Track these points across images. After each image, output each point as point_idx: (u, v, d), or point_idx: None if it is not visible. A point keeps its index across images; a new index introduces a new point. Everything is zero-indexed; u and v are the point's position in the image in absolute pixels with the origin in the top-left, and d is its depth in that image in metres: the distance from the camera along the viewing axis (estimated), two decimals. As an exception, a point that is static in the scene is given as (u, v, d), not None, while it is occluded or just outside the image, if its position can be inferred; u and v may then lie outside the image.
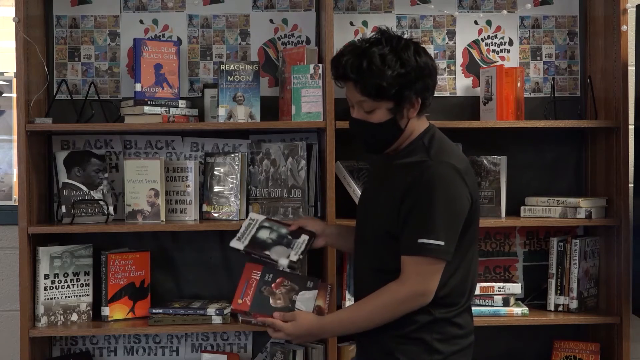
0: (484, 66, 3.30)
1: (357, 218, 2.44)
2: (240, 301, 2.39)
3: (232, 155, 3.15)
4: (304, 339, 2.37)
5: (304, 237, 2.54)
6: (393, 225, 2.21)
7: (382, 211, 2.26)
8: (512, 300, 3.13)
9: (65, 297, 3.03)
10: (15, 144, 3.06)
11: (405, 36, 2.30)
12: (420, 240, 2.14)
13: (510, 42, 3.35)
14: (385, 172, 2.34)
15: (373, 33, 2.29)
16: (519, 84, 3.15)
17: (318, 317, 2.31)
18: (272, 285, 2.44)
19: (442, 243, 2.13)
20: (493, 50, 3.34)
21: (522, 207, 3.19)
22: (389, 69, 2.17)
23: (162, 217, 3.03)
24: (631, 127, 3.10)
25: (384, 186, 2.31)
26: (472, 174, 2.29)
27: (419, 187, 2.17)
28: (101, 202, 3.07)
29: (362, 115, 2.27)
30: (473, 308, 3.06)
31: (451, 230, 2.17)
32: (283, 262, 2.48)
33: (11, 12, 2.92)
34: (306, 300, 2.40)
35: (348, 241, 2.51)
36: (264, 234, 2.57)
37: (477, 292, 3.10)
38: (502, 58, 3.34)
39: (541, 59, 3.36)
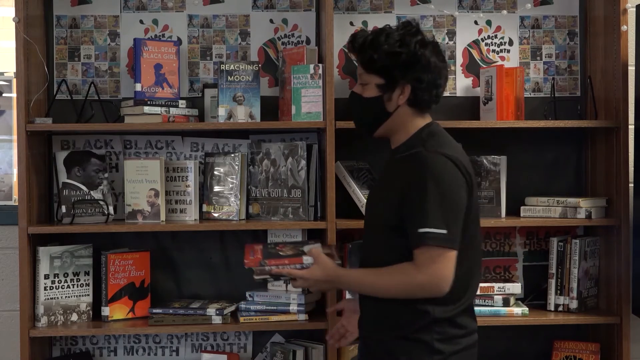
0: (484, 66, 3.30)
1: (365, 218, 2.48)
2: (251, 257, 2.41)
3: (232, 155, 3.15)
4: (321, 285, 2.34)
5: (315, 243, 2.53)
6: (392, 219, 2.22)
7: (383, 207, 2.28)
8: (512, 300, 3.13)
9: (65, 297, 3.03)
10: (15, 144, 3.06)
11: (429, 37, 2.34)
12: (420, 230, 2.13)
13: (510, 42, 3.35)
14: (387, 168, 2.38)
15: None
16: (519, 84, 3.15)
17: (336, 265, 2.32)
18: (277, 247, 2.48)
19: (444, 231, 2.12)
20: (493, 50, 3.34)
21: (522, 207, 3.19)
22: (386, 44, 2.25)
23: (162, 217, 3.03)
24: (631, 127, 3.11)
25: (384, 183, 2.36)
26: (471, 171, 2.28)
27: (413, 177, 2.18)
28: (101, 202, 3.07)
29: (358, 89, 2.36)
30: (473, 308, 3.09)
31: (451, 218, 2.15)
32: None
33: (11, 12, 2.92)
34: (314, 247, 2.40)
35: None
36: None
37: (477, 292, 3.09)
38: (502, 58, 3.34)
39: (541, 59, 3.36)
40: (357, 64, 2.38)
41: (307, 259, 2.35)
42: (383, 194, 2.31)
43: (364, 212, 2.77)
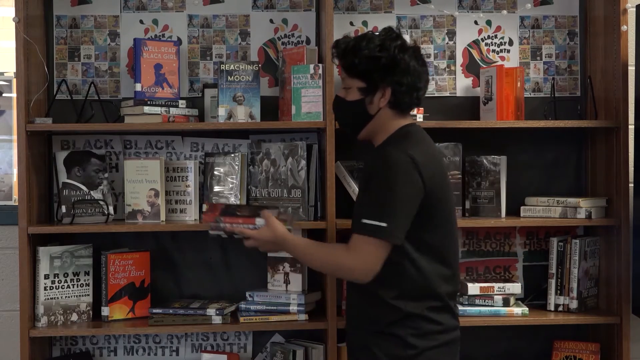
0: (484, 66, 3.30)
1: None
2: (209, 213, 2.59)
3: (232, 155, 3.15)
4: (269, 246, 2.48)
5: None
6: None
7: (358, 205, 2.40)
8: (512, 300, 3.12)
9: (65, 297, 3.03)
10: (15, 144, 3.06)
11: (410, 42, 2.44)
12: (363, 221, 2.23)
13: (510, 42, 3.35)
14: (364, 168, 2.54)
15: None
16: (519, 84, 3.15)
17: (286, 231, 2.45)
18: (237, 209, 2.60)
19: (384, 224, 2.20)
20: (493, 50, 3.34)
21: (522, 207, 3.19)
22: (367, 49, 2.34)
23: (162, 217, 3.03)
24: (631, 127, 3.10)
25: (360, 182, 2.51)
26: (435, 168, 2.32)
27: (372, 171, 2.30)
28: (101, 202, 3.07)
29: (342, 93, 2.45)
30: (473, 308, 3.10)
31: (397, 213, 2.22)
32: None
33: (11, 12, 2.92)
34: (270, 211, 2.52)
35: None
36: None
37: (477, 292, 3.10)
38: (502, 58, 3.34)
39: (541, 59, 3.36)
40: (341, 69, 2.47)
41: (259, 221, 2.48)
42: (359, 193, 2.43)
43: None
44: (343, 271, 2.33)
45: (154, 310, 3.04)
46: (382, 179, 2.24)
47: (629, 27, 3.05)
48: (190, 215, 3.12)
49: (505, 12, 3.31)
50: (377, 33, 2.41)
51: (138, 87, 3.04)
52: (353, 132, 2.47)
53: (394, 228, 2.21)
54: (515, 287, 3.14)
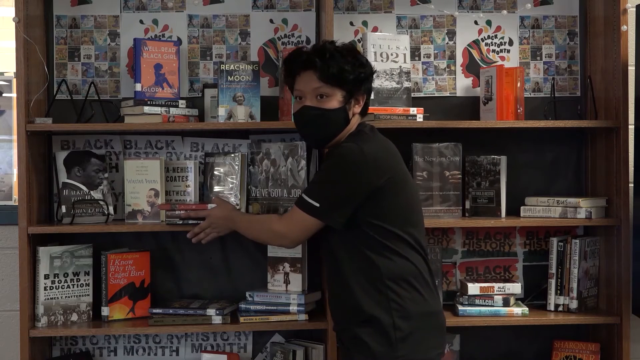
0: (484, 66, 3.30)
1: None
2: (165, 203, 3.00)
3: (232, 155, 3.15)
4: (221, 222, 2.76)
5: None
6: None
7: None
8: (512, 300, 3.12)
9: (65, 297, 3.03)
10: (15, 144, 3.06)
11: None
12: (302, 195, 2.43)
13: (510, 42, 3.35)
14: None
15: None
16: (519, 84, 3.15)
17: (235, 208, 2.86)
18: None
19: (317, 204, 2.38)
20: (493, 50, 3.34)
21: (522, 207, 3.19)
22: (349, 56, 2.43)
23: (162, 217, 3.03)
24: (631, 127, 3.11)
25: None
26: (388, 161, 2.42)
27: (326, 159, 2.44)
28: (101, 202, 3.07)
29: (315, 103, 2.46)
30: (473, 308, 3.10)
31: (334, 199, 2.37)
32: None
33: (11, 12, 2.91)
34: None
35: None
36: None
37: (477, 292, 3.10)
38: (502, 58, 3.34)
39: (541, 59, 3.36)
40: (301, 81, 2.48)
41: (210, 205, 2.87)
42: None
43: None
44: (273, 235, 2.53)
45: (154, 310, 3.04)
46: (330, 164, 2.40)
47: (629, 27, 3.05)
48: (190, 215, 3.12)
49: (505, 12, 3.31)
50: (330, 45, 2.49)
51: (138, 87, 3.04)
52: (324, 141, 2.52)
53: (327, 209, 2.37)
54: (515, 287, 3.14)
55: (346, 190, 2.37)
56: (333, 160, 2.41)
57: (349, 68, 2.42)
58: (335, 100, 2.45)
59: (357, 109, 2.50)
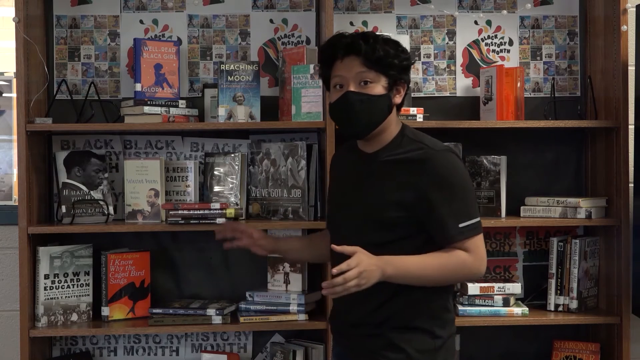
0: (484, 66, 3.30)
1: (340, 214, 2.40)
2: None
3: (232, 155, 3.15)
4: (374, 271, 2.15)
5: None
6: (402, 217, 2.24)
7: (387, 204, 2.25)
8: (512, 300, 3.12)
9: (65, 297, 3.03)
10: (15, 144, 3.06)
11: None
12: (462, 225, 2.23)
13: (510, 42, 3.35)
14: (371, 169, 2.33)
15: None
16: (519, 84, 3.15)
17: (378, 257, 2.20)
18: None
19: (478, 219, 2.26)
20: (493, 50, 3.34)
21: (522, 207, 3.19)
22: (392, 43, 2.30)
23: (162, 217, 3.03)
24: (631, 127, 3.11)
25: (380, 180, 2.30)
26: None
27: (439, 179, 2.24)
28: (101, 202, 3.07)
29: (358, 88, 2.28)
30: (473, 308, 3.11)
31: (475, 204, 2.31)
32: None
33: (11, 12, 2.92)
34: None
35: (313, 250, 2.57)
36: None
37: (477, 292, 3.11)
38: (502, 58, 3.34)
39: (541, 59, 3.36)
40: (343, 66, 2.28)
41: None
42: (384, 190, 2.28)
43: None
44: (476, 276, 2.30)
45: (154, 310, 3.04)
46: (453, 182, 2.26)
47: (629, 27, 3.05)
48: (190, 215, 3.12)
49: (505, 12, 3.31)
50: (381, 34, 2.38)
51: (138, 87, 3.04)
52: (367, 129, 2.32)
53: (479, 221, 2.29)
54: (515, 287, 3.14)
55: (475, 195, 2.36)
56: (454, 177, 2.27)
57: (393, 52, 2.29)
58: (380, 86, 2.29)
59: (398, 99, 2.33)
